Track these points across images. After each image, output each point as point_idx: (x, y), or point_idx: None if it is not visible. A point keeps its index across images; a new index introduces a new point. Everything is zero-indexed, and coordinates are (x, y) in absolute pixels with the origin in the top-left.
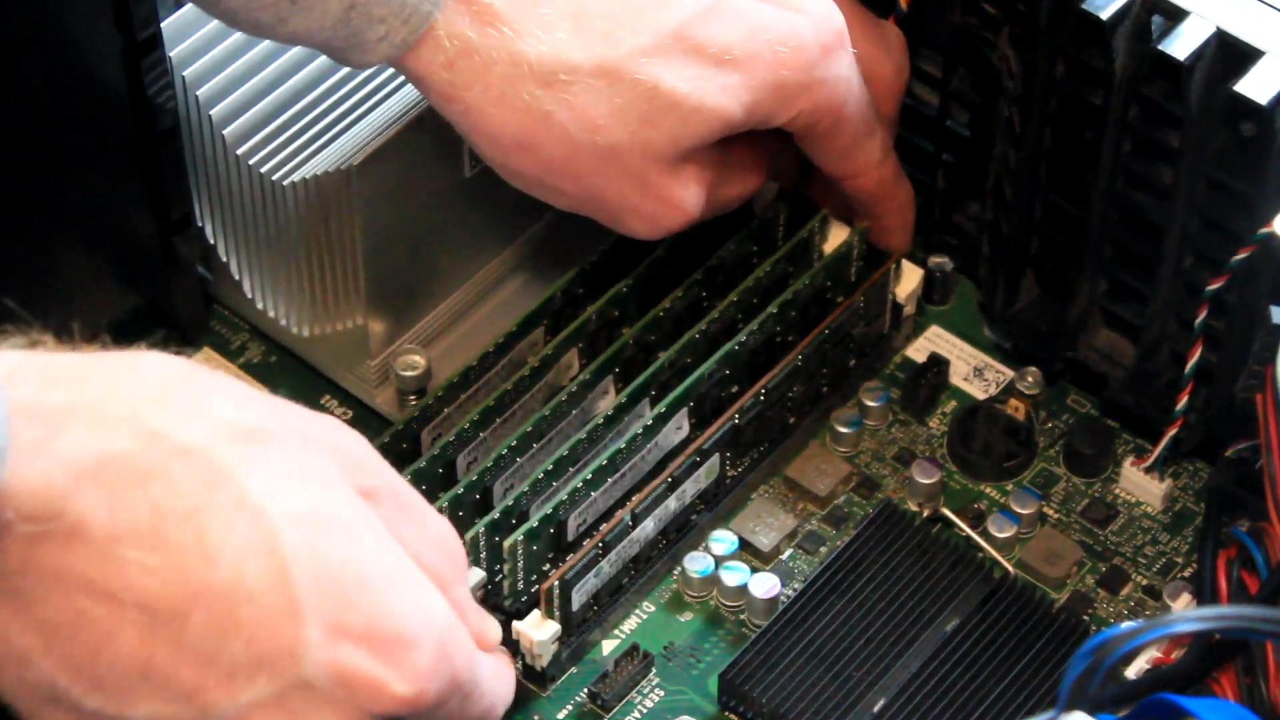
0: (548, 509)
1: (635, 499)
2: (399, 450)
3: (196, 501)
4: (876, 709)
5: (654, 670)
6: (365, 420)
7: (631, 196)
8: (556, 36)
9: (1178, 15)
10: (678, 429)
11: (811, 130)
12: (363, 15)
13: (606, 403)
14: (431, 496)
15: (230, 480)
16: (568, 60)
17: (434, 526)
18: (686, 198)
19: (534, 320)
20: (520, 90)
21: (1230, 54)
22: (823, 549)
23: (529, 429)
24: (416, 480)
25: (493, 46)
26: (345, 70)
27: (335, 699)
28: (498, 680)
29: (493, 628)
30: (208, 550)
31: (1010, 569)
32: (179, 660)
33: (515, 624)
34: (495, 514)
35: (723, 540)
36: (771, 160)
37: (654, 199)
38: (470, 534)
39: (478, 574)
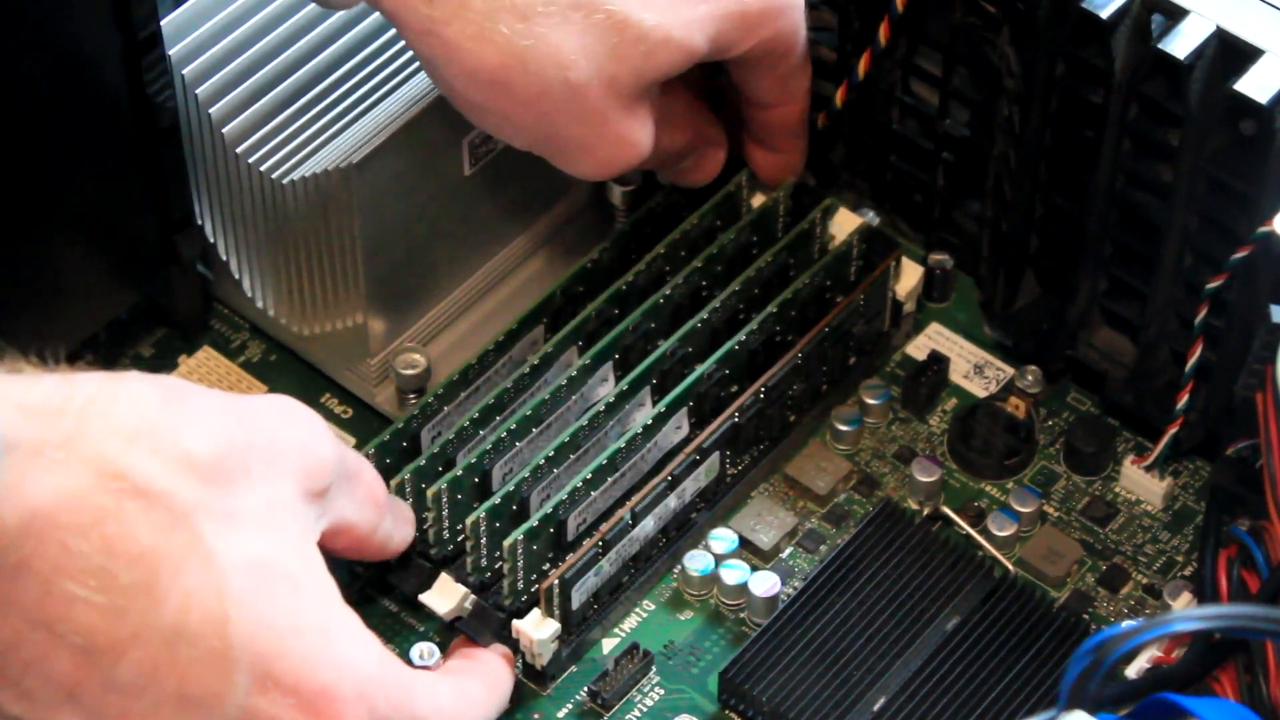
0: (547, 508)
1: (635, 498)
2: (399, 449)
3: (150, 544)
4: (877, 707)
5: (654, 669)
6: (365, 419)
7: (590, 136)
8: None
9: (1178, 14)
10: (677, 428)
11: (766, 58)
12: None
13: (606, 389)
14: None
15: (187, 525)
16: None
17: (364, 483)
18: (642, 137)
19: (533, 318)
20: (499, 24)
21: (1230, 53)
22: (823, 547)
23: (528, 412)
24: (417, 479)
25: None
26: (345, 68)
27: None
28: (465, 708)
29: (409, 529)
30: (155, 593)
31: (1010, 567)
32: (108, 690)
33: (515, 623)
34: (495, 499)
35: (723, 539)
36: (699, 121)
37: (610, 139)
38: (472, 518)
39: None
